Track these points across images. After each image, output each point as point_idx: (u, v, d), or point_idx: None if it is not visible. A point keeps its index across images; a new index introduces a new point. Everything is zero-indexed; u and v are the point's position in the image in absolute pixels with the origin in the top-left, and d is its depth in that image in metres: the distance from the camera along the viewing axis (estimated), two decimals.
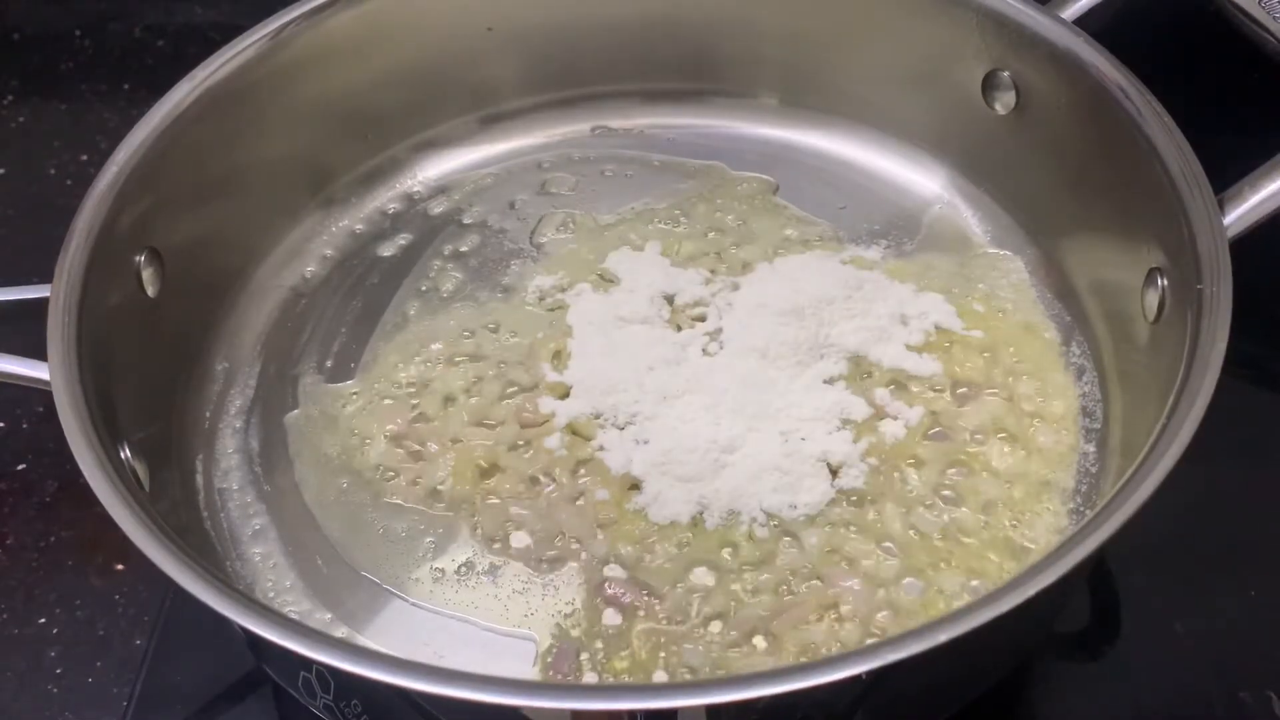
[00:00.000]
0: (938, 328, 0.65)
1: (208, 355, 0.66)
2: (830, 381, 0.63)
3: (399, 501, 0.61)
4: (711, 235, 0.71)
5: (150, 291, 0.62)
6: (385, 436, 0.63)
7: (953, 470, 0.60)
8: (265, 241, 0.71)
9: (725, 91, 0.76)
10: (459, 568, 0.58)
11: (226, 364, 0.67)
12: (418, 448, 0.62)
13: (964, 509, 0.59)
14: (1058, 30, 0.65)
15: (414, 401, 0.64)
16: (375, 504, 0.61)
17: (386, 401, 0.64)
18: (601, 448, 0.61)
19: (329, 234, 0.73)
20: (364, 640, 0.56)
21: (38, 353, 0.55)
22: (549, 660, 0.55)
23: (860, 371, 0.64)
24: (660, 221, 0.72)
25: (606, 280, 0.69)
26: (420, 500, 0.61)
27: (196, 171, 0.65)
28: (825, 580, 0.56)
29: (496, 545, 0.59)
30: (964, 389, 0.63)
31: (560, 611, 0.56)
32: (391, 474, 0.62)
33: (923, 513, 0.59)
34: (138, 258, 0.62)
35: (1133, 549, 0.60)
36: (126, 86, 0.90)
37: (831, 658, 0.43)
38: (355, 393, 0.65)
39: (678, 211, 0.72)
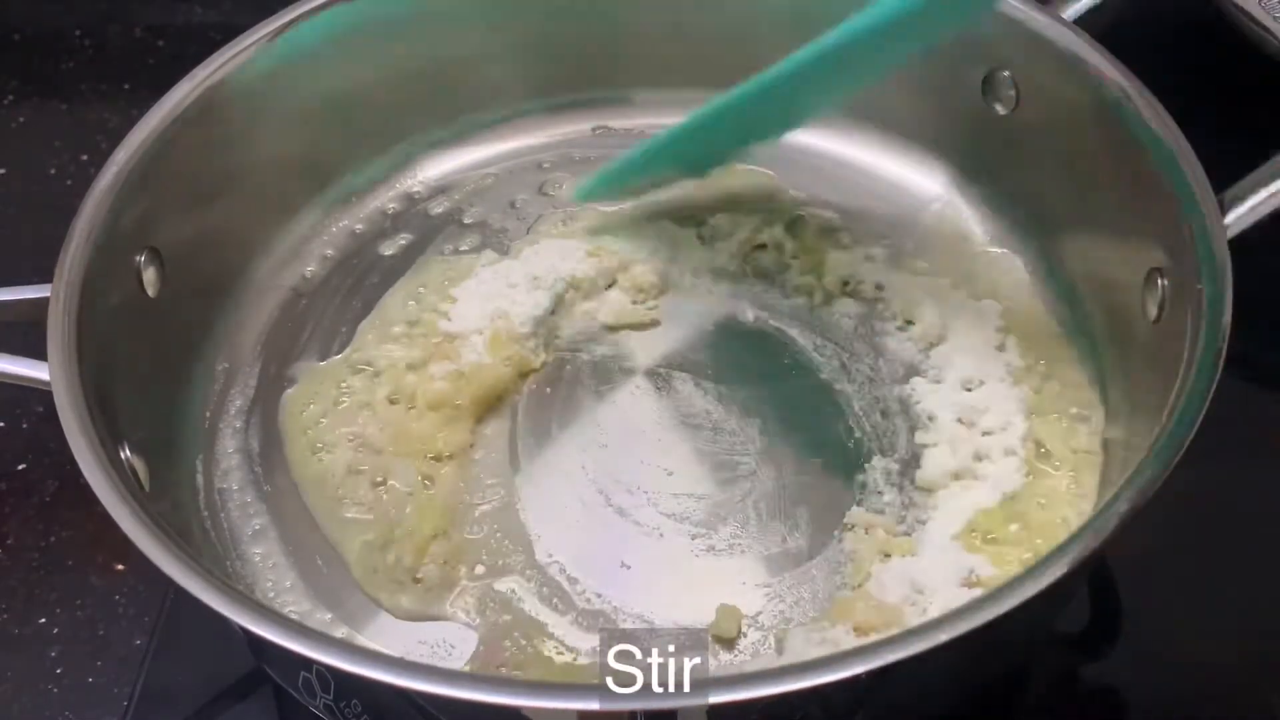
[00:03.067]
0: None
1: (208, 355, 0.66)
2: None
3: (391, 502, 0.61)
4: None
5: (150, 291, 0.62)
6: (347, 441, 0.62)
7: None
8: (265, 241, 0.70)
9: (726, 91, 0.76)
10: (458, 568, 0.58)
11: (226, 364, 0.66)
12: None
13: None
14: (1058, 30, 0.65)
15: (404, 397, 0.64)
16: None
17: (344, 402, 0.64)
18: None
19: (329, 234, 0.72)
20: (364, 640, 0.56)
21: (38, 353, 0.55)
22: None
23: None
24: None
25: None
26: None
27: (196, 171, 0.65)
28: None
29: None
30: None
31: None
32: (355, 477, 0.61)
33: None
34: (138, 258, 0.62)
35: (1133, 549, 0.60)
36: (126, 86, 0.90)
37: (831, 657, 0.43)
38: (316, 391, 0.64)
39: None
